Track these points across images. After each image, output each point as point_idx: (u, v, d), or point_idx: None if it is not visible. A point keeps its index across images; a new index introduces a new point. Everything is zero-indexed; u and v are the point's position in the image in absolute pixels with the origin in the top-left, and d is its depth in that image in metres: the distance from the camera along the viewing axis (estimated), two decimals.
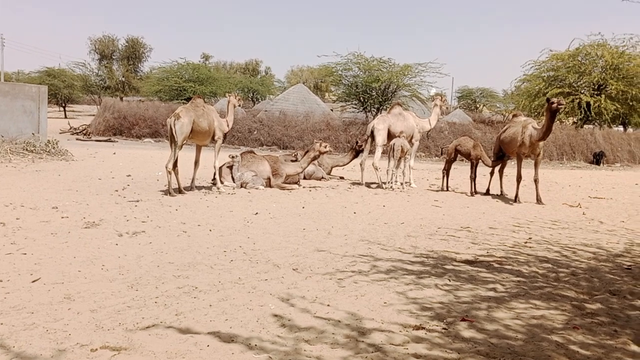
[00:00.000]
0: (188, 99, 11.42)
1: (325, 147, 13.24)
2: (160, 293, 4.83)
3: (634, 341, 4.12)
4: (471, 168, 13.34)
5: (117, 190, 10.89)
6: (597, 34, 32.10)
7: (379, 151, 14.10)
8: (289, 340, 3.93)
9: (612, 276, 6.20)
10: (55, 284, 5.00)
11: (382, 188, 13.64)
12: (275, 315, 4.41)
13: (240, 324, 4.19)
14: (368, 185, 14.11)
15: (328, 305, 4.72)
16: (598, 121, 32.92)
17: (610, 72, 31.07)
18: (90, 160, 16.91)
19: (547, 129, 11.65)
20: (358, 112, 31.75)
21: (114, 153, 19.82)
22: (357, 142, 15.77)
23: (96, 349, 3.63)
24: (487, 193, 13.55)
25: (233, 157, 12.68)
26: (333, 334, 4.08)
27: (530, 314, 4.72)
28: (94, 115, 38.46)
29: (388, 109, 15.11)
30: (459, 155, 13.84)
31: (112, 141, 27.26)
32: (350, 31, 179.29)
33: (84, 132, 30.34)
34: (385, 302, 4.89)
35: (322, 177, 15.16)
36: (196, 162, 11.80)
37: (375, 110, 30.26)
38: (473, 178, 13.25)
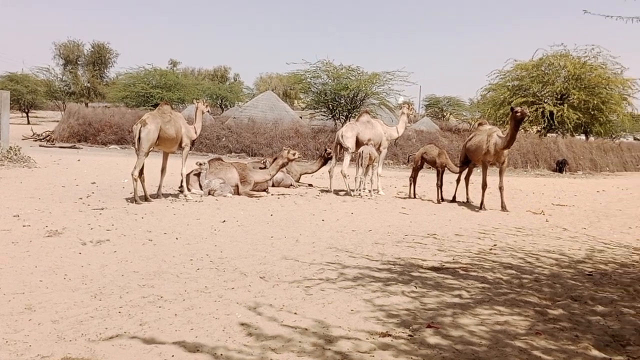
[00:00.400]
0: (155, 106, 11.37)
1: (294, 154, 13.24)
2: (124, 303, 4.76)
3: (595, 346, 4.22)
4: (437, 176, 13.50)
5: (81, 198, 10.70)
6: (560, 44, 32.92)
7: (347, 159, 14.16)
8: (255, 349, 3.91)
9: (573, 282, 6.33)
10: (15, 294, 4.89)
11: (351, 195, 13.69)
12: (242, 324, 4.39)
13: (206, 333, 4.15)
14: (336, 192, 14.15)
15: (295, 314, 4.71)
16: (561, 130, 33.67)
17: (573, 82, 31.85)
18: (54, 167, 16.57)
19: (511, 137, 11.87)
20: (327, 119, 31.85)
21: (79, 160, 19.48)
22: (325, 150, 15.82)
23: None
24: (454, 200, 13.72)
25: (200, 164, 12.58)
26: (300, 342, 4.08)
27: (494, 320, 4.79)
28: (58, 121, 37.70)
29: (356, 117, 15.20)
30: (425, 163, 13.99)
31: (76, 148, 26.78)
32: (319, 39, 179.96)
33: (48, 138, 29.76)
34: (352, 310, 4.91)
35: (291, 185, 15.14)
36: (163, 169, 11.67)
37: (344, 117, 30.41)
38: (439, 185, 13.40)
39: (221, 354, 3.78)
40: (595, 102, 31.13)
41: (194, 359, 3.69)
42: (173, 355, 3.72)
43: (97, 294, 4.96)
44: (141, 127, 10.60)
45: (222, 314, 4.60)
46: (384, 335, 4.30)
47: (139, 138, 10.59)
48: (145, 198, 10.86)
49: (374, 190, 14.19)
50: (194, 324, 4.35)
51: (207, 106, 12.88)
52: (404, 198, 13.92)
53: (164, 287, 5.31)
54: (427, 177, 19.48)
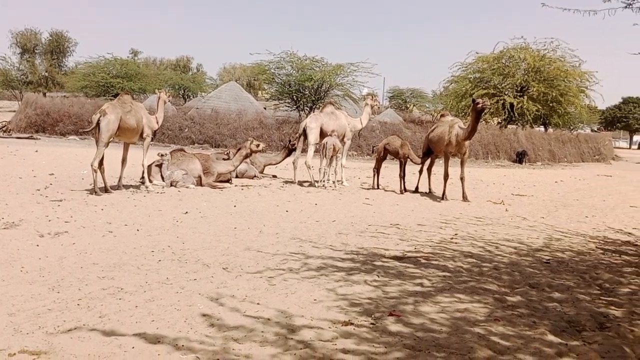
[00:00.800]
0: (116, 96, 11.20)
1: (258, 145, 13.17)
2: (83, 295, 4.68)
3: (551, 332, 4.32)
4: (400, 166, 13.61)
5: (38, 190, 10.45)
6: (520, 37, 33.60)
7: (311, 150, 14.16)
8: (217, 340, 3.89)
9: (532, 270, 6.48)
10: None
11: (315, 186, 13.70)
12: (204, 315, 4.36)
13: (167, 325, 4.12)
14: (301, 183, 14.14)
15: (258, 304, 4.71)
16: (521, 121, 34.29)
17: (532, 74, 32.44)
18: (10, 158, 16.12)
19: (472, 128, 12.03)
20: (291, 110, 31.75)
21: (36, 151, 18.98)
22: (290, 141, 15.77)
23: (14, 354, 3.49)
24: (416, 191, 13.88)
25: (162, 155, 12.41)
26: (262, 332, 4.08)
27: (454, 307, 4.87)
28: (14, 111, 36.66)
29: (320, 108, 15.21)
30: (388, 154, 14.08)
31: (34, 138, 26.09)
32: (284, 30, 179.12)
33: (4, 128, 28.89)
34: (315, 299, 4.92)
35: (255, 176, 15.07)
36: (124, 160, 11.47)
37: (308, 109, 30.37)
38: (402, 176, 13.52)
39: (182, 345, 3.75)
40: (554, 94, 31.79)
41: (154, 350, 3.65)
42: (133, 347, 3.68)
43: (55, 287, 4.85)
44: (100, 117, 10.39)
45: (184, 305, 4.56)
46: (346, 324, 4.33)
47: (99, 128, 10.39)
48: (105, 189, 10.66)
49: (338, 181, 14.24)
50: (155, 315, 4.30)
51: (169, 96, 12.72)
52: (368, 189, 14.00)
53: (125, 279, 5.23)
54: (390, 168, 19.61)
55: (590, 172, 25.75)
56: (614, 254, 7.68)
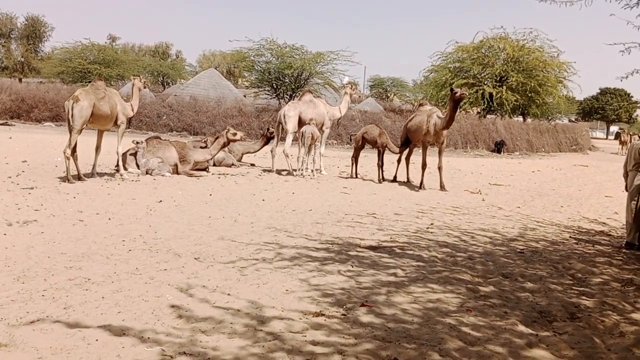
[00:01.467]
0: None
1: (235, 134, 13.03)
2: (48, 285, 4.56)
3: (522, 322, 4.32)
4: (378, 155, 13.58)
5: (10, 177, 10.22)
6: (500, 27, 33.52)
7: (289, 138, 14.05)
8: (185, 332, 3.82)
9: (505, 260, 6.50)
10: None
11: (293, 175, 13.62)
12: (173, 306, 4.28)
13: (133, 316, 4.03)
14: (279, 172, 14.06)
15: (228, 295, 4.64)
16: (500, 111, 34.47)
17: (511, 64, 32.57)
18: None
19: (450, 117, 12.03)
20: (271, 98, 31.52)
21: (10, 137, 18.58)
22: (268, 129, 15.64)
23: None
24: (395, 180, 13.87)
25: (137, 143, 12.22)
26: (232, 323, 4.01)
27: (427, 297, 4.85)
28: None
29: (299, 96, 15.08)
30: (366, 143, 14.04)
31: (8, 125, 25.55)
32: (264, 17, 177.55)
33: None
34: (287, 290, 4.87)
35: (232, 164, 14.94)
36: (97, 148, 11.27)
37: (288, 97, 30.15)
38: (380, 165, 13.50)
39: (148, 337, 3.67)
40: (533, 84, 31.98)
41: (119, 342, 3.57)
42: (97, 339, 3.58)
43: (20, 277, 4.73)
44: (73, 103, 10.17)
45: (152, 296, 4.47)
46: (317, 314, 4.28)
47: (72, 115, 10.18)
48: (78, 177, 10.47)
49: (316, 170, 14.17)
50: (122, 306, 4.21)
51: (144, 83, 12.50)
52: (346, 178, 13.96)
53: (93, 269, 5.12)
54: (370, 157, 19.58)
55: (567, 162, 26.03)
56: (587, 244, 7.75)
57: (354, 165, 14.12)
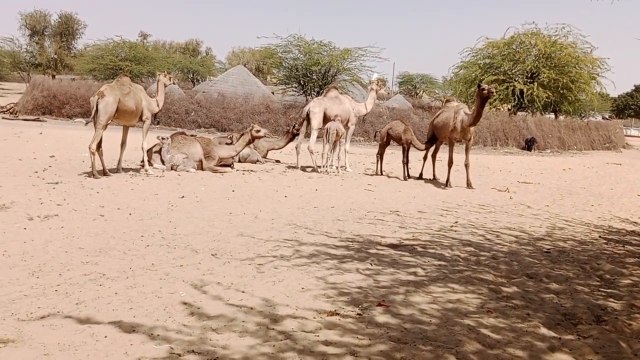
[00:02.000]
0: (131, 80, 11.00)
1: (258, 131, 12.97)
2: (63, 280, 4.55)
3: (545, 324, 4.15)
4: (403, 152, 13.39)
5: (36, 172, 10.34)
6: (532, 23, 32.97)
7: (314, 135, 13.95)
8: (195, 330, 3.75)
9: (531, 259, 6.29)
10: None
11: (317, 172, 13.53)
12: (185, 303, 4.22)
13: (145, 313, 3.98)
14: (303, 169, 13.98)
15: (243, 292, 4.56)
16: (530, 108, 33.82)
17: (543, 60, 31.93)
18: (14, 140, 16.04)
19: (477, 114, 11.79)
20: (298, 95, 31.49)
21: (41, 133, 18.90)
22: (294, 126, 15.54)
23: None
24: (420, 177, 13.67)
25: (162, 139, 12.26)
26: (243, 321, 3.93)
27: (446, 297, 4.70)
28: (22, 93, 36.62)
29: (324, 92, 14.97)
30: (391, 140, 13.86)
31: (40, 120, 26.02)
32: (293, 13, 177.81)
33: (11, 110, 28.86)
34: (303, 288, 4.78)
35: (258, 161, 14.92)
36: (123, 143, 11.33)
37: (316, 93, 30.06)
38: (405, 162, 13.31)
39: (158, 335, 3.61)
40: (565, 80, 31.28)
41: (128, 339, 3.52)
42: (106, 336, 3.54)
43: (35, 271, 4.73)
44: (99, 99, 10.25)
45: (166, 293, 4.42)
46: (331, 314, 4.18)
47: (97, 110, 10.25)
48: (103, 172, 10.55)
49: (341, 166, 14.05)
50: (134, 303, 4.17)
51: (170, 79, 12.51)
52: (371, 175, 13.81)
53: (109, 264, 5.10)
54: (396, 154, 19.39)
55: (599, 160, 25.39)
56: (617, 244, 7.47)
57: (379, 162, 13.97)
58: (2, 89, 54.82)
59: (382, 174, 13.86)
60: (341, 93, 15.30)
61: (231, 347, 3.50)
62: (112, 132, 13.02)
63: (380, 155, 13.95)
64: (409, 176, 13.42)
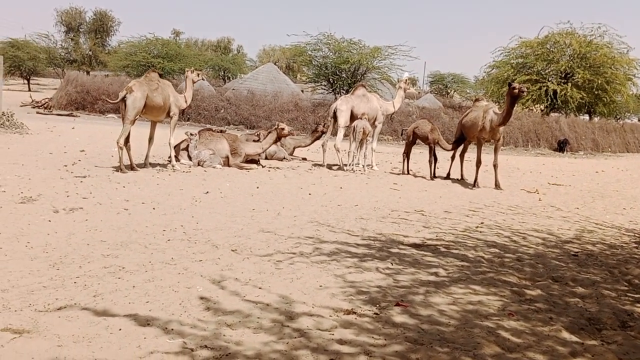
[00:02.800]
0: (159, 76, 11.10)
1: (283, 129, 12.98)
2: (82, 273, 4.58)
3: (567, 329, 4.03)
4: (430, 152, 13.24)
5: (65, 166, 10.50)
6: (567, 22, 32.40)
7: (341, 133, 13.90)
8: (210, 324, 3.73)
9: (557, 262, 6.14)
10: None
11: (343, 170, 13.47)
12: (202, 298, 4.21)
13: (161, 307, 3.98)
14: (329, 167, 13.93)
15: (260, 288, 4.53)
16: (564, 109, 33.20)
17: (578, 60, 31.29)
18: (46, 134, 16.36)
19: (507, 113, 11.58)
20: (327, 93, 31.46)
21: (73, 128, 19.25)
22: (322, 125, 15.41)
23: None
24: (448, 177, 13.50)
25: (190, 134, 12.35)
26: (259, 318, 3.90)
27: (467, 299, 4.61)
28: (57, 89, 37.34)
29: (352, 90, 14.90)
30: (418, 139, 13.72)
31: (73, 116, 26.52)
32: (323, 10, 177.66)
33: (45, 105, 29.47)
34: (320, 286, 4.73)
35: (284, 158, 14.93)
36: (150, 139, 11.45)
37: (345, 91, 29.98)
38: (432, 162, 13.15)
39: (172, 329, 3.61)
40: (600, 81, 30.60)
41: (141, 332, 3.52)
42: (120, 329, 3.54)
43: (56, 263, 4.78)
44: (127, 94, 10.36)
45: (183, 287, 4.42)
46: (348, 312, 4.12)
47: (125, 105, 10.37)
48: (131, 167, 10.66)
49: (367, 165, 13.96)
50: (151, 296, 4.17)
51: (198, 75, 12.57)
52: (398, 174, 13.69)
53: (129, 257, 5.13)
54: (424, 153, 19.21)
55: (634, 162, 24.76)
56: None
57: (406, 161, 13.83)
58: (38, 84, 56.02)
59: (408, 173, 13.73)
60: (369, 91, 15.22)
61: (245, 343, 3.47)
62: (141, 127, 13.19)
63: (407, 154, 13.82)
64: (435, 176, 13.26)
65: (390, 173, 13.86)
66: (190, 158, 12.22)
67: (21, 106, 28.92)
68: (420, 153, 17.26)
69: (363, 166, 13.74)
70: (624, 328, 4.15)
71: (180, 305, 4.05)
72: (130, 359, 3.17)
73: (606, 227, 8.67)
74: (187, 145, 12.32)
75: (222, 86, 41.88)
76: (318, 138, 15.31)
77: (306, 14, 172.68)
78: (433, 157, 13.15)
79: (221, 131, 13.87)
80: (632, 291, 5.16)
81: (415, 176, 13.55)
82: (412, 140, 13.69)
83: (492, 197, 11.11)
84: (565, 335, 3.91)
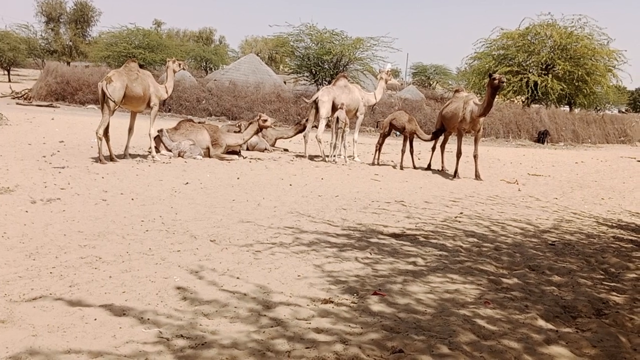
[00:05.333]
0: (140, 67, 10.92)
1: (265, 120, 12.93)
2: (59, 263, 4.54)
3: (543, 317, 4.08)
4: (404, 142, 13.27)
5: (44, 156, 10.38)
6: (547, 13, 32.50)
7: (322, 124, 13.87)
8: (186, 314, 3.72)
9: (535, 251, 6.20)
10: None
11: (325, 161, 13.47)
12: (178, 288, 4.20)
13: (137, 297, 3.96)
14: (311, 158, 13.91)
15: (237, 278, 4.53)
16: (545, 101, 33.43)
17: (558, 52, 31.47)
18: (25, 125, 16.13)
19: (487, 104, 11.63)
20: (310, 84, 31.36)
21: (52, 119, 18.99)
22: (306, 119, 15.32)
23: None
24: (429, 168, 13.56)
25: (159, 131, 12.13)
26: (236, 307, 3.90)
27: (444, 288, 4.64)
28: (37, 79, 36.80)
29: (333, 81, 14.85)
30: (393, 130, 13.76)
31: (53, 106, 26.17)
32: (305, 1, 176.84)
33: (25, 96, 29.05)
34: (299, 275, 4.73)
35: (266, 149, 14.87)
36: (130, 129, 11.33)
37: (327, 83, 29.91)
38: (408, 152, 13.25)
39: (148, 319, 3.59)
40: (580, 73, 30.79)
41: (117, 322, 3.50)
42: (96, 319, 3.52)
43: (32, 254, 4.73)
44: (106, 84, 10.24)
45: (160, 277, 4.40)
46: (326, 302, 4.14)
47: (104, 96, 10.25)
48: (110, 158, 10.56)
49: (349, 156, 13.96)
50: (127, 286, 4.15)
51: (179, 65, 12.45)
52: (380, 165, 13.70)
53: (106, 248, 5.09)
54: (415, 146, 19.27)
55: (613, 153, 25.02)
56: (625, 238, 7.34)
57: (377, 152, 13.79)
58: (17, 75, 55.15)
59: (379, 164, 13.64)
60: (351, 82, 15.19)
61: (221, 333, 3.47)
62: (120, 118, 13.06)
63: (380, 145, 13.79)
64: (415, 167, 13.33)
65: (373, 164, 13.86)
66: (169, 150, 12.08)
67: (0, 97, 28.51)
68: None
69: (344, 157, 13.74)
70: (599, 316, 4.20)
71: (157, 295, 4.03)
72: (106, 349, 3.15)
73: (584, 217, 8.77)
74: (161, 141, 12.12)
75: (204, 77, 41.60)
76: (301, 131, 15.21)
77: (288, 4, 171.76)
78: (410, 148, 13.20)
79: (200, 122, 13.76)
80: (607, 280, 5.23)
81: (394, 167, 13.56)
82: (387, 131, 13.70)
83: (472, 187, 11.19)
84: (541, 322, 3.95)
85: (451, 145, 14.72)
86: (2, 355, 2.99)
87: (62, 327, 3.37)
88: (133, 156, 11.35)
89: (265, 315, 3.79)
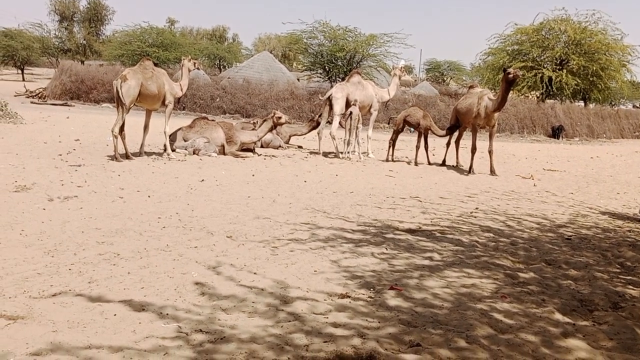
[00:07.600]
0: (154, 65, 10.99)
1: (279, 117, 12.95)
2: (77, 260, 4.59)
3: (559, 310, 4.06)
4: (418, 138, 13.24)
5: (60, 155, 10.47)
6: (561, 9, 32.06)
7: (336, 120, 13.87)
8: (205, 309, 3.75)
9: (551, 246, 6.18)
10: None
11: (339, 157, 13.47)
12: (197, 283, 4.23)
13: (156, 292, 3.99)
14: (325, 154, 13.91)
15: (255, 274, 4.55)
16: (559, 96, 33.15)
17: (573, 47, 31.18)
18: (41, 124, 16.28)
19: (502, 99, 11.58)
20: (323, 81, 31.32)
21: (68, 117, 19.15)
22: (319, 115, 15.32)
23: None
24: (443, 164, 13.52)
25: (169, 135, 12.15)
26: (254, 302, 3.93)
27: (461, 282, 4.64)
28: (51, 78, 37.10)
29: (347, 78, 14.84)
30: (407, 126, 13.73)
31: (68, 105, 26.41)
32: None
33: (40, 95, 29.32)
34: (315, 270, 4.75)
35: (280, 146, 14.90)
36: (145, 127, 11.41)
37: (340, 79, 29.87)
38: (422, 148, 13.21)
39: (167, 314, 3.62)
40: (595, 68, 30.51)
41: (137, 318, 3.53)
42: (115, 314, 3.56)
43: (50, 251, 4.78)
44: (121, 82, 10.31)
45: (178, 273, 4.44)
46: (343, 296, 4.15)
47: (119, 94, 10.33)
48: (126, 156, 10.63)
49: (363, 153, 13.95)
50: (146, 282, 4.19)
51: (194, 63, 12.51)
52: (394, 161, 13.67)
53: (124, 244, 5.14)
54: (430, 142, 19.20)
55: (629, 148, 24.78)
56: None
57: (391, 148, 13.77)
58: (32, 74, 55.58)
59: (393, 160, 13.61)
60: (364, 79, 15.17)
61: (239, 327, 3.49)
62: (136, 116, 13.15)
63: (393, 141, 13.77)
64: (429, 163, 13.29)
65: (387, 160, 13.84)
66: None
67: (15, 96, 28.77)
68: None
69: (359, 154, 13.73)
70: (616, 309, 4.18)
71: (175, 290, 4.06)
72: (126, 344, 3.18)
73: (600, 212, 8.71)
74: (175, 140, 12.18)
75: (218, 75, 41.71)
76: (314, 128, 15.21)
77: (302, 2, 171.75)
78: (425, 144, 13.17)
79: (213, 120, 13.81)
80: (624, 273, 5.20)
81: (409, 163, 13.52)
82: (401, 127, 13.68)
83: (487, 183, 11.14)
84: (558, 316, 3.94)
85: (466, 141, 14.65)
86: (24, 351, 3.03)
87: (82, 323, 3.41)
88: (148, 154, 11.42)
89: (282, 310, 3.81)
